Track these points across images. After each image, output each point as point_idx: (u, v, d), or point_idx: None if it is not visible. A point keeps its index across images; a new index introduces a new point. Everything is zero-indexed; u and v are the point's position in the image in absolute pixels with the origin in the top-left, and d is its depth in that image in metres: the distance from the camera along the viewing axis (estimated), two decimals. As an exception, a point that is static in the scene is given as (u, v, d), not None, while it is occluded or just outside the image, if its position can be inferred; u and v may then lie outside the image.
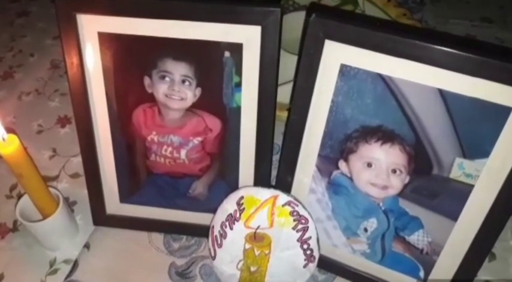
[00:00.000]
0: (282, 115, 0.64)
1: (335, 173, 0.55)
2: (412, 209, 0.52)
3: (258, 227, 0.54)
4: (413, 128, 0.48)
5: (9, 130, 0.54)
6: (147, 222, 0.65)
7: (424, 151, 0.49)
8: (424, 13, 1.02)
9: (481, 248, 0.51)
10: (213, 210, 0.58)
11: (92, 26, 0.52)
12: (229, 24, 0.49)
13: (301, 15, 0.74)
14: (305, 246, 0.54)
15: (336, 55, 0.48)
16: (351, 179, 0.54)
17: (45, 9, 1.09)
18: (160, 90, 0.55)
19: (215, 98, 0.54)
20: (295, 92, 0.52)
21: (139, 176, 0.62)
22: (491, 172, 0.46)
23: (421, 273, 0.56)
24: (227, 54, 0.51)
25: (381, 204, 0.54)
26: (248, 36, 0.50)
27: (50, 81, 0.90)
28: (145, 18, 0.50)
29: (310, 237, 0.54)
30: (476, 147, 0.46)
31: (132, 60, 0.54)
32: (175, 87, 0.54)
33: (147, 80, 0.55)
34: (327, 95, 0.50)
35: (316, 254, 0.55)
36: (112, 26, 0.52)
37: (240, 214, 0.55)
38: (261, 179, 0.59)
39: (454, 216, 0.50)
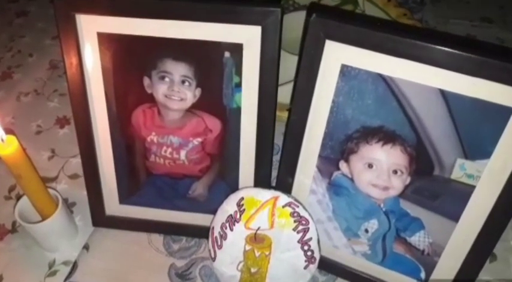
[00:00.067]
0: (282, 115, 0.64)
1: (336, 173, 0.54)
2: (413, 210, 0.52)
3: (259, 228, 0.54)
4: (415, 129, 0.48)
5: (7, 131, 0.54)
6: (146, 223, 0.64)
7: (425, 152, 0.49)
8: (424, 13, 1.02)
9: (482, 249, 0.50)
10: (213, 211, 0.58)
11: (91, 26, 0.52)
12: (229, 24, 0.49)
13: (301, 15, 0.74)
14: (306, 248, 0.54)
15: (337, 55, 0.48)
16: (351, 179, 0.53)
17: (44, 9, 1.09)
18: (160, 90, 0.54)
19: (215, 99, 0.54)
20: (296, 92, 0.51)
21: (139, 176, 0.62)
22: (493, 173, 0.46)
23: (422, 274, 0.55)
24: (227, 54, 0.51)
25: (381, 205, 0.53)
26: (248, 37, 0.50)
27: (48, 82, 0.90)
28: (145, 19, 0.50)
29: (310, 239, 0.54)
30: (478, 147, 0.46)
31: (131, 61, 0.54)
32: (175, 88, 0.54)
33: (146, 81, 0.54)
34: (328, 96, 0.50)
35: (316, 255, 0.55)
36: (111, 26, 0.52)
37: (240, 215, 0.54)
38: (261, 180, 0.59)
39: (455, 217, 0.50)
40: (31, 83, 0.90)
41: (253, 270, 0.57)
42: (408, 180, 0.51)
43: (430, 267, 0.55)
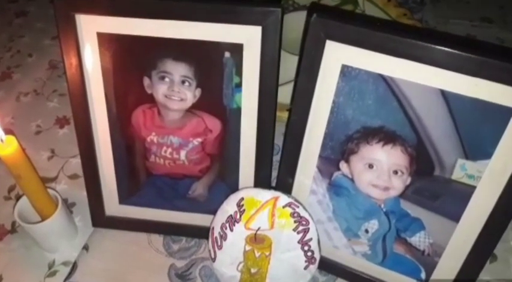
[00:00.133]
0: (282, 116, 0.64)
1: (336, 174, 0.54)
2: (413, 210, 0.52)
3: (259, 229, 0.54)
4: (415, 129, 0.48)
5: (7, 131, 0.54)
6: (146, 224, 0.64)
7: (425, 152, 0.49)
8: (424, 13, 1.02)
9: (483, 249, 0.50)
10: (213, 212, 0.58)
11: (91, 26, 0.52)
12: (229, 24, 0.49)
13: (301, 16, 0.74)
14: (306, 248, 0.54)
15: (337, 55, 0.48)
16: (352, 180, 0.53)
17: (44, 10, 1.09)
18: (160, 90, 0.54)
19: (215, 99, 0.54)
20: (296, 92, 0.51)
21: (139, 177, 0.62)
22: (494, 173, 0.46)
23: (423, 275, 0.55)
24: (227, 54, 0.51)
25: (382, 205, 0.53)
26: (248, 37, 0.50)
27: (48, 82, 0.90)
28: (145, 19, 0.50)
29: (311, 239, 0.54)
30: (479, 148, 0.46)
31: (131, 61, 0.54)
32: (174, 88, 0.54)
33: (146, 81, 0.54)
34: (328, 96, 0.50)
35: (317, 256, 0.55)
36: (111, 26, 0.52)
37: (240, 215, 0.54)
38: (262, 180, 0.58)
39: (455, 217, 0.50)
40: (31, 83, 0.89)
41: (253, 270, 0.56)
42: (409, 180, 0.51)
43: (430, 268, 0.54)
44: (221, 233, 0.56)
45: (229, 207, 0.56)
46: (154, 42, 0.51)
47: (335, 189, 0.55)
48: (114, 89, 0.56)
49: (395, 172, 0.51)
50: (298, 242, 0.54)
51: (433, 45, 0.43)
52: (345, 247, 0.58)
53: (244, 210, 0.54)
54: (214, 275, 0.59)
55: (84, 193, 0.63)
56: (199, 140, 0.58)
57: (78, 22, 0.52)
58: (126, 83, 0.55)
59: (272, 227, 0.54)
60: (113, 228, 0.65)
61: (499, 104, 0.43)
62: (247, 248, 0.55)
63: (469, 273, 0.52)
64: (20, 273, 0.61)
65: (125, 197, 0.63)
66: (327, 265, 0.59)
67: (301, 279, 0.56)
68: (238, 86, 0.53)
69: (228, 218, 0.55)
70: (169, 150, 0.59)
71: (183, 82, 0.54)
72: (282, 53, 0.51)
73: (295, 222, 0.53)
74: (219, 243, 0.56)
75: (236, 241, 0.55)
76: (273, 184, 0.61)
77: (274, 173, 0.59)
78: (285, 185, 0.57)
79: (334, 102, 0.50)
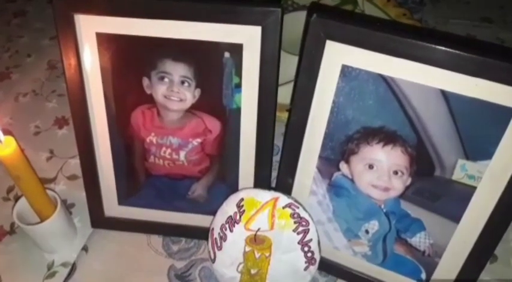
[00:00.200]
0: (282, 116, 0.64)
1: (336, 174, 0.54)
2: (413, 211, 0.52)
3: (259, 230, 0.54)
4: (415, 129, 0.48)
5: (6, 132, 0.54)
6: (145, 225, 0.64)
7: (426, 152, 0.48)
8: (424, 13, 1.02)
9: (483, 250, 0.50)
10: (213, 213, 0.58)
11: (90, 27, 0.52)
12: (229, 24, 0.49)
13: (300, 16, 0.74)
14: (306, 249, 0.54)
15: (337, 56, 0.48)
16: (352, 180, 0.53)
17: (42, 9, 1.09)
18: (159, 91, 0.54)
19: (215, 99, 0.54)
20: (296, 92, 0.51)
21: (138, 177, 0.62)
22: (494, 174, 0.46)
23: (423, 275, 0.55)
24: (227, 54, 0.51)
25: (382, 206, 0.53)
26: (248, 37, 0.49)
27: (47, 82, 0.90)
28: (144, 19, 0.50)
29: (311, 240, 0.54)
30: (479, 148, 0.46)
31: (130, 61, 0.54)
32: (174, 88, 0.54)
33: (145, 81, 0.54)
34: (328, 96, 0.50)
35: (317, 257, 0.55)
36: (110, 27, 0.52)
37: (240, 216, 0.54)
38: (261, 181, 0.58)
39: (456, 218, 0.50)
40: (29, 84, 0.89)
41: (253, 271, 0.56)
42: (409, 181, 0.51)
43: (430, 268, 0.54)
44: (221, 234, 0.56)
45: (229, 208, 0.55)
46: (154, 42, 0.51)
47: (335, 189, 0.55)
48: (113, 90, 0.55)
49: (396, 172, 0.51)
50: (298, 243, 0.54)
51: (433, 45, 0.43)
52: (345, 248, 0.58)
53: (244, 211, 0.54)
54: (214, 276, 0.59)
55: (83, 194, 0.63)
56: (199, 140, 0.57)
57: (77, 22, 0.51)
58: (125, 83, 0.55)
59: (272, 227, 0.54)
60: (112, 229, 0.65)
61: (499, 104, 0.43)
62: (247, 248, 0.55)
63: (469, 274, 0.52)
64: (19, 274, 0.61)
65: (124, 198, 0.63)
66: (327, 266, 0.59)
67: (301, 280, 0.56)
68: (238, 86, 0.53)
69: (227, 218, 0.55)
70: (169, 150, 0.58)
71: (182, 82, 0.53)
72: (282, 53, 0.51)
73: (295, 223, 0.53)
74: (218, 244, 0.56)
75: (236, 242, 0.55)
76: (273, 185, 0.61)
77: (274, 174, 0.59)
78: (284, 186, 0.57)
79: (334, 102, 0.50)
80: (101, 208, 0.63)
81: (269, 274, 0.56)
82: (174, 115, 0.56)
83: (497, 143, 0.45)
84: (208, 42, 0.50)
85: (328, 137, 0.52)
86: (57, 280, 0.60)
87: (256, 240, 0.55)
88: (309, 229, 0.53)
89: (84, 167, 0.61)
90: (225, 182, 0.60)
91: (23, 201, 0.59)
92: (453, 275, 0.53)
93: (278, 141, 0.63)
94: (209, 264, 0.60)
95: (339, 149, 0.52)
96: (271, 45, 0.49)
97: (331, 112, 0.51)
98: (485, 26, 0.99)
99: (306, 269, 0.55)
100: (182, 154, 0.59)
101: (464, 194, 0.48)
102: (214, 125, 0.56)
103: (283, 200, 0.54)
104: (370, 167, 0.51)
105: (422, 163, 0.49)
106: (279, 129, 0.58)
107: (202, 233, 0.60)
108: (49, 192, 0.60)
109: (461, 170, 0.48)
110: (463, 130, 0.46)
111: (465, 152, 0.47)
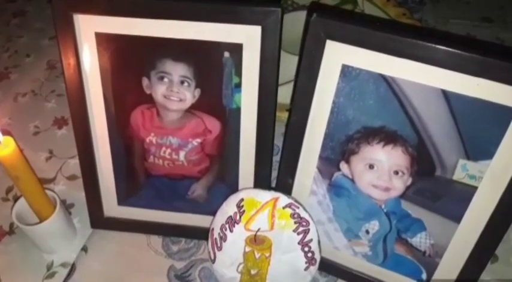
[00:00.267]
0: (282, 116, 0.64)
1: (336, 174, 0.54)
2: (414, 211, 0.52)
3: (259, 230, 0.54)
4: (416, 129, 0.48)
5: (5, 132, 0.54)
6: (145, 225, 0.64)
7: (426, 152, 0.48)
8: (424, 13, 1.02)
9: (484, 250, 0.50)
10: (213, 213, 0.57)
11: (89, 26, 0.52)
12: (229, 24, 0.49)
13: (300, 16, 0.74)
14: (306, 249, 0.54)
15: (338, 55, 0.47)
16: (352, 180, 0.53)
17: (42, 9, 1.09)
18: (159, 91, 0.54)
19: (214, 99, 0.54)
20: (296, 92, 0.51)
21: (138, 178, 0.61)
22: (495, 174, 0.46)
23: (424, 276, 0.55)
24: (227, 54, 0.51)
25: (382, 206, 0.53)
26: (248, 37, 0.49)
27: (46, 82, 0.89)
28: (144, 18, 0.50)
29: (311, 240, 0.54)
30: (480, 148, 0.46)
31: (130, 61, 0.54)
32: (174, 88, 0.54)
33: (145, 81, 0.54)
34: (328, 96, 0.50)
35: (317, 257, 0.55)
36: (110, 26, 0.51)
37: (240, 216, 0.54)
38: (261, 181, 0.58)
39: (457, 218, 0.50)
40: (28, 84, 0.89)
41: (253, 272, 0.56)
42: (409, 181, 0.51)
43: (431, 269, 0.54)
44: (221, 234, 0.55)
45: (228, 208, 0.55)
46: (153, 42, 0.51)
47: (335, 189, 0.55)
48: (113, 90, 0.55)
49: (396, 172, 0.51)
50: (299, 243, 0.54)
51: (434, 45, 0.43)
52: (345, 248, 0.58)
53: (244, 211, 0.54)
54: (214, 276, 0.59)
55: (83, 194, 0.63)
56: (199, 140, 0.57)
57: (76, 22, 0.51)
58: (125, 83, 0.55)
59: (272, 228, 0.53)
60: (111, 230, 0.64)
61: (500, 103, 0.43)
62: (247, 249, 0.55)
63: (470, 274, 0.52)
64: (18, 274, 0.61)
65: (124, 198, 0.63)
66: (327, 266, 0.59)
67: (301, 280, 0.56)
68: (238, 86, 0.53)
69: (227, 219, 0.55)
70: (169, 150, 0.58)
71: (182, 82, 0.53)
72: (282, 53, 0.50)
73: (295, 223, 0.53)
74: (218, 245, 0.56)
75: (236, 242, 0.55)
76: (273, 185, 0.60)
77: (274, 174, 0.59)
78: (285, 186, 0.57)
79: (334, 102, 0.50)
80: (100, 208, 0.63)
81: (269, 274, 0.56)
82: (174, 115, 0.56)
83: (498, 143, 0.45)
84: (208, 42, 0.50)
85: (328, 137, 0.52)
86: (56, 280, 0.60)
87: (256, 240, 0.54)
88: (309, 229, 0.53)
89: (84, 167, 0.61)
90: (225, 182, 0.60)
91: (22, 201, 0.59)
92: (454, 275, 0.53)
93: (278, 141, 0.63)
94: (209, 264, 0.60)
95: (339, 149, 0.52)
96: (271, 45, 0.49)
97: (332, 112, 0.51)
98: (485, 26, 0.99)
99: (306, 269, 0.55)
100: (182, 154, 0.58)
101: (465, 194, 0.48)
102: (214, 125, 0.56)
103: (283, 200, 0.53)
104: (371, 167, 0.51)
105: (423, 163, 0.49)
106: (279, 129, 0.58)
107: (202, 233, 0.60)
108: (48, 192, 0.60)
109: (462, 170, 0.47)
110: (464, 130, 0.46)
111: (466, 152, 0.47)
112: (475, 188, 0.47)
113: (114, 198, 0.63)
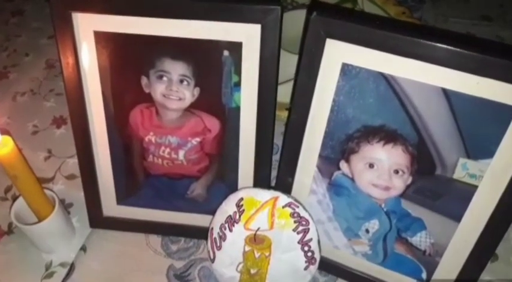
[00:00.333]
0: (282, 115, 0.64)
1: (336, 173, 0.54)
2: (414, 210, 0.52)
3: (258, 229, 0.54)
4: (416, 128, 0.48)
5: (3, 131, 0.54)
6: (144, 224, 0.64)
7: (427, 151, 0.48)
8: (424, 11, 1.02)
9: (484, 249, 0.50)
10: (212, 212, 0.57)
11: (87, 25, 0.51)
12: (228, 22, 0.48)
13: (300, 14, 0.73)
14: (306, 248, 0.54)
15: (338, 54, 0.47)
16: (352, 179, 0.53)
17: (40, 8, 1.08)
18: (158, 90, 0.54)
19: (214, 98, 0.54)
20: (296, 91, 0.51)
21: (137, 177, 0.61)
22: (496, 172, 0.46)
23: (424, 275, 0.55)
24: (226, 53, 0.51)
25: (382, 205, 0.53)
26: (248, 35, 0.49)
27: (45, 81, 0.89)
28: (143, 17, 0.50)
29: (311, 239, 0.53)
30: (480, 147, 0.46)
31: (129, 60, 0.53)
32: (173, 87, 0.53)
33: (144, 80, 0.54)
34: (328, 95, 0.50)
35: (317, 256, 0.54)
36: (108, 25, 0.51)
37: (239, 216, 0.54)
38: (261, 180, 0.58)
39: (457, 217, 0.49)
40: (27, 83, 0.89)
41: (252, 271, 0.56)
42: (410, 180, 0.50)
43: (431, 268, 0.54)
44: (220, 234, 0.55)
45: (228, 207, 0.55)
46: (152, 40, 0.51)
47: (335, 188, 0.55)
48: (112, 89, 0.55)
49: (396, 171, 0.50)
50: (298, 242, 0.53)
51: (434, 43, 0.43)
52: (345, 247, 0.58)
53: (243, 210, 0.54)
54: (213, 275, 0.59)
55: (82, 194, 0.63)
56: (198, 139, 0.57)
57: (74, 21, 0.51)
58: (124, 82, 0.55)
59: (272, 227, 0.53)
60: (110, 229, 0.64)
61: (501, 102, 0.43)
62: (247, 248, 0.55)
63: (470, 273, 0.52)
64: (17, 274, 0.61)
65: (123, 198, 0.63)
66: (327, 265, 0.59)
67: (301, 279, 0.56)
68: (237, 85, 0.52)
69: (227, 218, 0.55)
70: (168, 150, 0.58)
71: (181, 81, 0.53)
72: (281, 51, 0.50)
73: (295, 222, 0.53)
74: (218, 244, 0.56)
75: (235, 241, 0.55)
76: (273, 184, 0.60)
77: (274, 173, 0.59)
78: (284, 185, 0.57)
79: (334, 101, 0.50)
80: (99, 208, 0.63)
81: (269, 274, 0.56)
82: (173, 114, 0.55)
83: (499, 142, 0.44)
84: (208, 41, 0.50)
85: (328, 135, 0.52)
86: (55, 280, 0.60)
87: (255, 239, 0.54)
88: (308, 228, 0.53)
89: (83, 167, 0.61)
90: (225, 182, 0.60)
91: (20, 201, 0.59)
92: (454, 275, 0.53)
93: (278, 140, 0.63)
94: (208, 264, 0.60)
95: (339, 148, 0.52)
96: (271, 44, 0.49)
97: (331, 111, 0.50)
98: (484, 25, 0.99)
99: (306, 268, 0.55)
100: (181, 153, 0.58)
101: (466, 193, 0.48)
102: (213, 124, 0.56)
103: (283, 199, 0.53)
104: (371, 166, 0.51)
105: (423, 162, 0.49)
106: (279, 128, 0.58)
107: (202, 233, 0.60)
108: (47, 191, 0.60)
109: (463, 169, 0.47)
110: (464, 128, 0.46)
111: (466, 151, 0.47)
112: (476, 187, 0.47)
113: (113, 198, 0.63)
